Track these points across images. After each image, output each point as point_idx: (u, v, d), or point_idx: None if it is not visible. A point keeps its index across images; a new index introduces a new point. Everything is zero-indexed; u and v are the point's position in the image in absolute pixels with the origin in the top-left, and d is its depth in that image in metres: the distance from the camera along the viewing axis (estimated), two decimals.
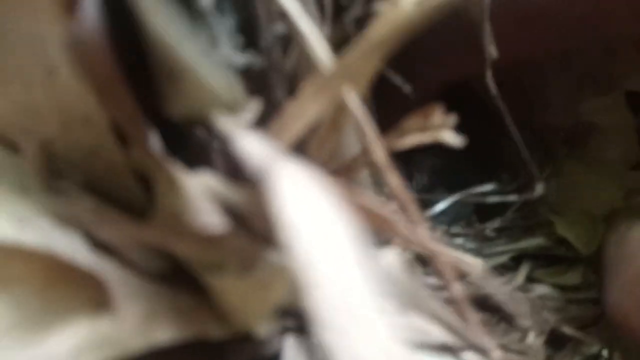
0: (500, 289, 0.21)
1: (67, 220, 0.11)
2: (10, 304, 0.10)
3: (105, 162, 0.11)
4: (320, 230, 0.08)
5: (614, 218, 0.23)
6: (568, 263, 0.25)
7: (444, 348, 0.14)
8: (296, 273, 0.07)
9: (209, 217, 0.10)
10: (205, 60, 0.09)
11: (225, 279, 0.10)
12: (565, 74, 0.24)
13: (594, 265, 0.25)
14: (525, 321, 0.21)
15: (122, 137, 0.11)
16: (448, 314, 0.13)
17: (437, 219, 0.23)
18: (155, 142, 0.10)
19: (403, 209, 0.12)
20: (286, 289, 0.10)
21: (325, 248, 0.08)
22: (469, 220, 0.24)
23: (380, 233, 0.11)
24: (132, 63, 0.10)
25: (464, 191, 0.23)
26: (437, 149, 0.13)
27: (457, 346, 0.13)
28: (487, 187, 0.24)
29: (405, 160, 0.13)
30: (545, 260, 0.24)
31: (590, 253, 0.25)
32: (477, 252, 0.22)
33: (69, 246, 0.11)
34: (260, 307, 0.11)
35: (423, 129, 0.12)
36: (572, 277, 0.24)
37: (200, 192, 0.10)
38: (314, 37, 0.12)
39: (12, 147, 0.12)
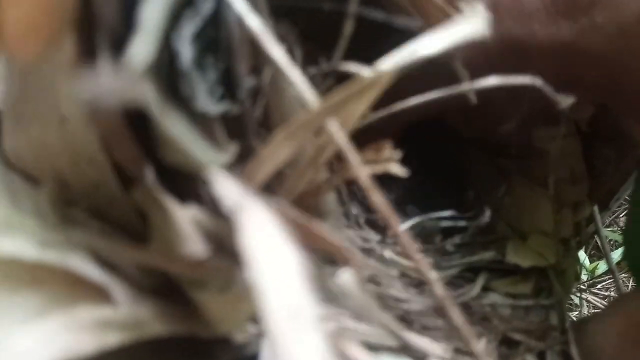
0: (457, 299, 0.24)
1: (77, 244, 0.13)
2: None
3: (109, 195, 0.13)
4: (274, 256, 0.10)
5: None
6: (521, 275, 0.27)
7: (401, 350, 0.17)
8: (255, 289, 0.10)
9: (195, 244, 0.12)
10: (187, 131, 0.11)
11: (208, 295, 0.12)
12: (522, 107, 0.27)
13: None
14: (478, 328, 0.23)
15: (123, 175, 0.13)
16: (395, 323, 0.15)
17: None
18: (152, 180, 0.12)
19: (387, 224, 0.14)
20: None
21: (276, 269, 0.10)
22: (431, 237, 0.26)
23: (334, 258, 0.13)
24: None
25: (424, 215, 0.26)
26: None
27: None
28: (445, 213, 0.27)
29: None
30: (500, 273, 0.27)
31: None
32: (435, 266, 0.24)
33: (82, 264, 0.12)
34: (236, 317, 0.13)
35: (375, 161, 0.15)
36: (525, 288, 0.27)
37: (188, 223, 0.12)
38: (300, 80, 0.14)
39: (31, 179, 0.14)
